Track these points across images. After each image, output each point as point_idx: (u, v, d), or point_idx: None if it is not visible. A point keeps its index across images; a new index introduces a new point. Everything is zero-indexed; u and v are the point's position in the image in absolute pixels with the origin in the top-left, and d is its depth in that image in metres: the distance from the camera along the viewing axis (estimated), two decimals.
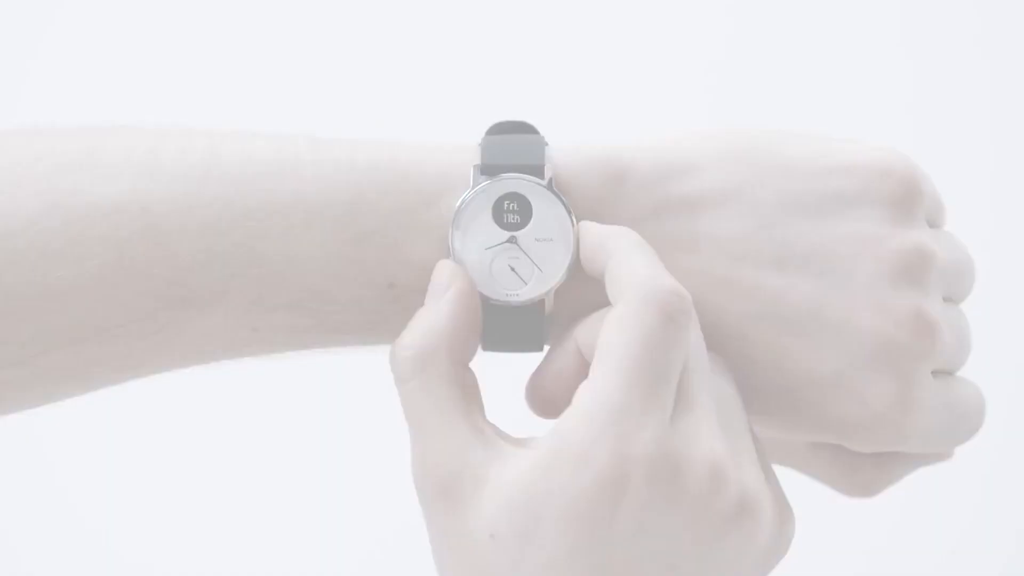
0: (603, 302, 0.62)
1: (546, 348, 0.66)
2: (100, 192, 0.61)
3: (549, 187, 0.64)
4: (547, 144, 0.65)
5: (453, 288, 0.62)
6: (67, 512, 1.27)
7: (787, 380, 0.63)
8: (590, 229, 0.63)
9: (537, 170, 0.64)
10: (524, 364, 0.66)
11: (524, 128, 0.66)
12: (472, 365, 0.63)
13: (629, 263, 0.61)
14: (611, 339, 0.59)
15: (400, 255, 0.62)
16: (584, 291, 0.64)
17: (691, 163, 0.64)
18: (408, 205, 0.63)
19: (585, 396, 0.59)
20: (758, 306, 0.63)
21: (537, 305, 0.64)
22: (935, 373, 0.65)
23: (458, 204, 0.63)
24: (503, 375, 0.67)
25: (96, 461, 1.28)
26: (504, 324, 0.64)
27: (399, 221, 0.63)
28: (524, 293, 0.64)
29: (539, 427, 0.62)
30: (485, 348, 0.65)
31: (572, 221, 0.64)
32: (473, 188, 0.64)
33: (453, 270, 0.63)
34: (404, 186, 0.63)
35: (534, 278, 0.64)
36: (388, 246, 0.62)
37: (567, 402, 0.59)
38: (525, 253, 0.64)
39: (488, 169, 0.64)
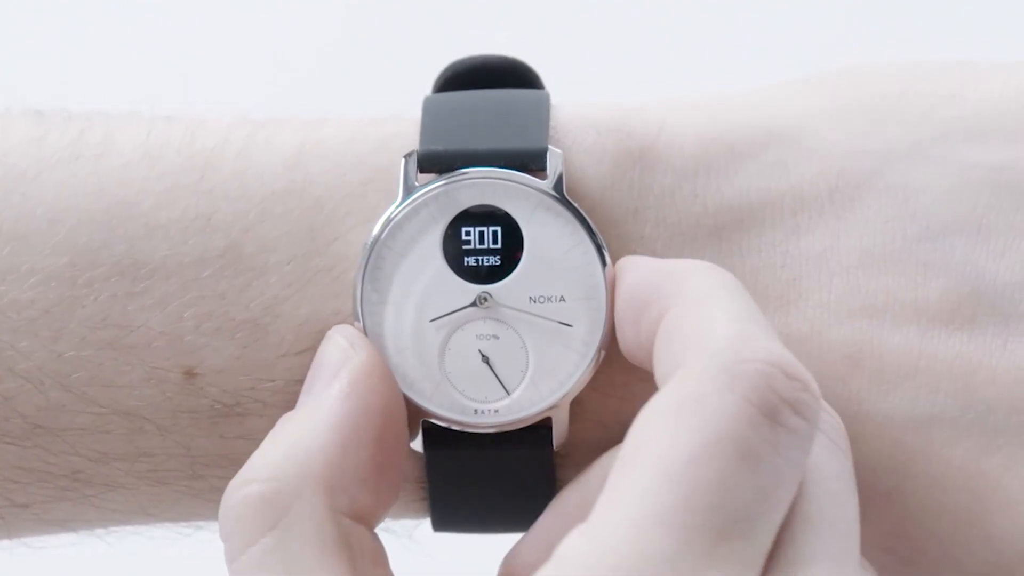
0: None
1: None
2: None
3: (557, 195, 0.39)
4: (552, 106, 0.40)
5: (344, 376, 0.38)
6: None
7: (992, 543, 0.39)
8: (636, 266, 0.38)
9: (533, 159, 0.39)
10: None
11: (507, 72, 0.41)
12: (384, 531, 0.38)
13: (701, 314, 0.36)
14: (649, 445, 0.34)
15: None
16: (634, 396, 0.38)
17: (783, 130, 0.40)
18: (267, 239, 0.40)
19: (579, 548, 0.33)
20: (941, 401, 0.38)
21: (536, 434, 0.38)
22: None
23: (373, 233, 0.39)
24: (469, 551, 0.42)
25: None
26: (470, 474, 0.38)
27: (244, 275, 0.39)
28: (508, 410, 0.38)
29: None
30: (437, 525, 0.40)
31: (603, 260, 0.38)
32: (402, 201, 0.39)
33: (350, 342, 0.38)
34: (265, 207, 0.40)
35: (528, 377, 0.38)
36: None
37: None
38: (511, 328, 0.38)
39: (433, 161, 0.39)
